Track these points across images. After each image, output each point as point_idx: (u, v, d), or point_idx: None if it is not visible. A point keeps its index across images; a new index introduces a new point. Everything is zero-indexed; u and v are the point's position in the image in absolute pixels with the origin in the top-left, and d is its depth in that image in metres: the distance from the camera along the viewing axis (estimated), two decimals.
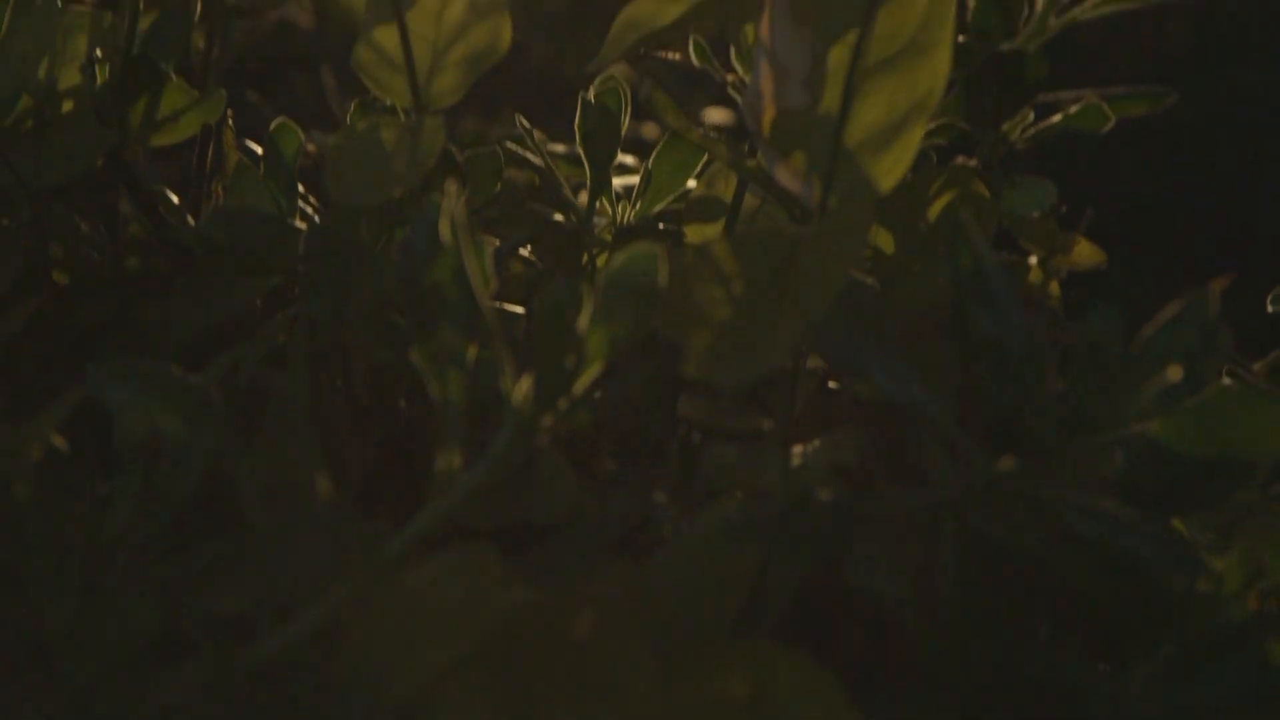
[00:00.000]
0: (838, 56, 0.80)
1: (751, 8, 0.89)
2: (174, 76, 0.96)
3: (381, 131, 0.83)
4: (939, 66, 0.76)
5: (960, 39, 1.05)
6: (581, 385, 0.72)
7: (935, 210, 0.90)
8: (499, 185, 0.92)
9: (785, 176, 0.79)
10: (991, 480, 0.69)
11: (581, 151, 0.97)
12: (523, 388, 0.71)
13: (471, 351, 0.73)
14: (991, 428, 0.70)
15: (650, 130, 1.64)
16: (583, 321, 0.71)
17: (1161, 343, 0.69)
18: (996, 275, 0.69)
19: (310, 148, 1.19)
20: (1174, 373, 0.66)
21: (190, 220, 0.98)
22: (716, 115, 1.54)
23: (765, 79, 0.80)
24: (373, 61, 0.86)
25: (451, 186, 0.69)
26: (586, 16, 2.06)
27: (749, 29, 0.90)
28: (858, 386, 0.82)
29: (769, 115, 0.79)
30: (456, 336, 0.72)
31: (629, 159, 1.12)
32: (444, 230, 0.70)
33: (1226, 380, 0.99)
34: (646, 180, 0.97)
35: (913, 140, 0.76)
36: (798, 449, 0.82)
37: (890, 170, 0.77)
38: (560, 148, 1.12)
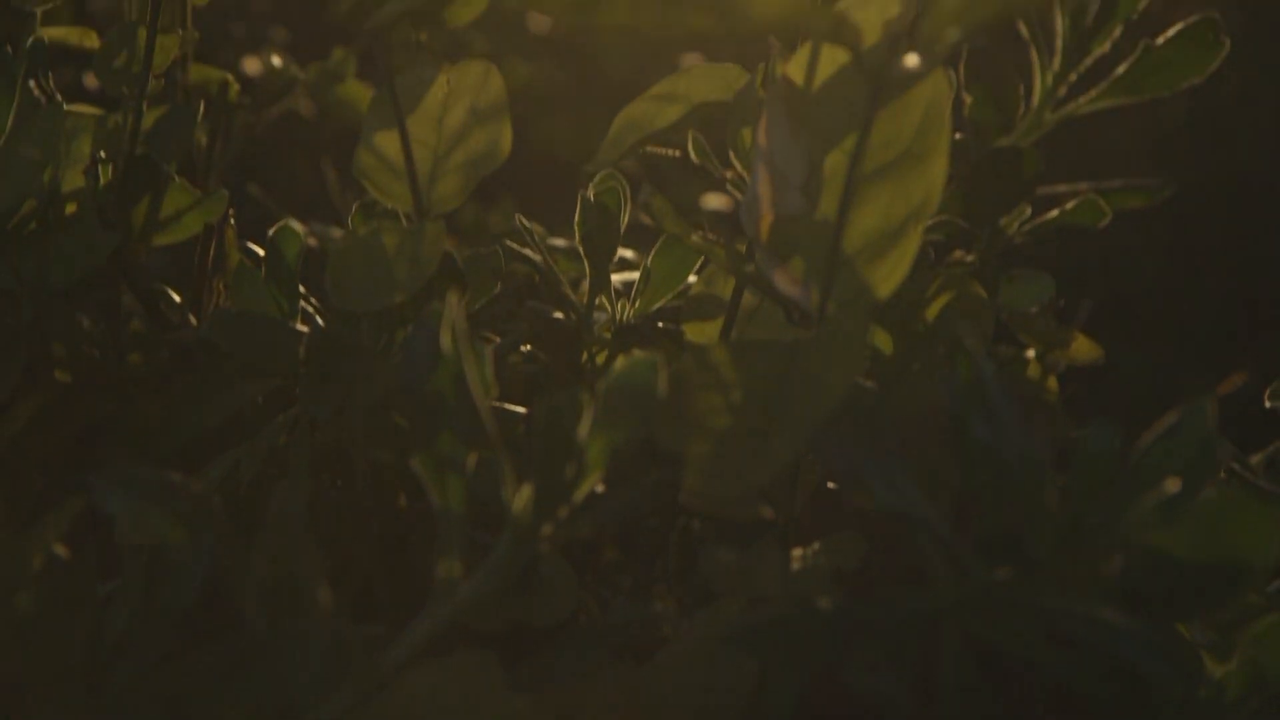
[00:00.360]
0: (835, 162, 0.81)
1: (749, 111, 0.90)
2: (176, 177, 0.96)
3: (383, 237, 0.84)
4: (935, 175, 0.76)
5: (957, 135, 1.05)
6: (581, 493, 0.72)
7: (933, 311, 0.91)
8: (499, 286, 0.92)
9: (784, 282, 0.79)
10: (990, 588, 0.69)
11: (581, 250, 0.98)
12: (523, 497, 0.72)
13: (472, 459, 0.73)
14: (990, 536, 0.70)
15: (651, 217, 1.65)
16: (582, 430, 0.71)
17: (1159, 453, 0.69)
18: (995, 386, 0.70)
19: (311, 240, 1.19)
20: (1172, 485, 0.67)
21: (192, 318, 0.99)
22: (714, 201, 1.55)
23: (763, 184, 0.80)
24: (374, 166, 0.87)
25: (453, 297, 0.69)
26: (586, 96, 2.07)
27: (746, 133, 0.91)
28: (857, 495, 0.82)
29: (767, 221, 0.80)
30: (457, 444, 0.73)
31: (628, 253, 1.12)
32: (445, 341, 0.71)
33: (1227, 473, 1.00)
34: (645, 278, 0.97)
35: (910, 248, 0.77)
36: (797, 552, 0.82)
37: (888, 277, 0.77)
38: (560, 242, 1.13)
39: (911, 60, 0.70)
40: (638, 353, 0.96)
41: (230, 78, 1.13)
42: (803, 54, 0.82)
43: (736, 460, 0.71)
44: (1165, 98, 1.07)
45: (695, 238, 0.84)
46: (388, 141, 0.87)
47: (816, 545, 0.81)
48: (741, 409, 0.73)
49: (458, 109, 0.87)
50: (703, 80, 0.92)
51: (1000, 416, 0.69)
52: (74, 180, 0.93)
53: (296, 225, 1.23)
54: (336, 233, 1.27)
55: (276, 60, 1.25)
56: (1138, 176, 2.14)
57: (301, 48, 1.76)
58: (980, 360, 0.70)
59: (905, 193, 0.78)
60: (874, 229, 0.78)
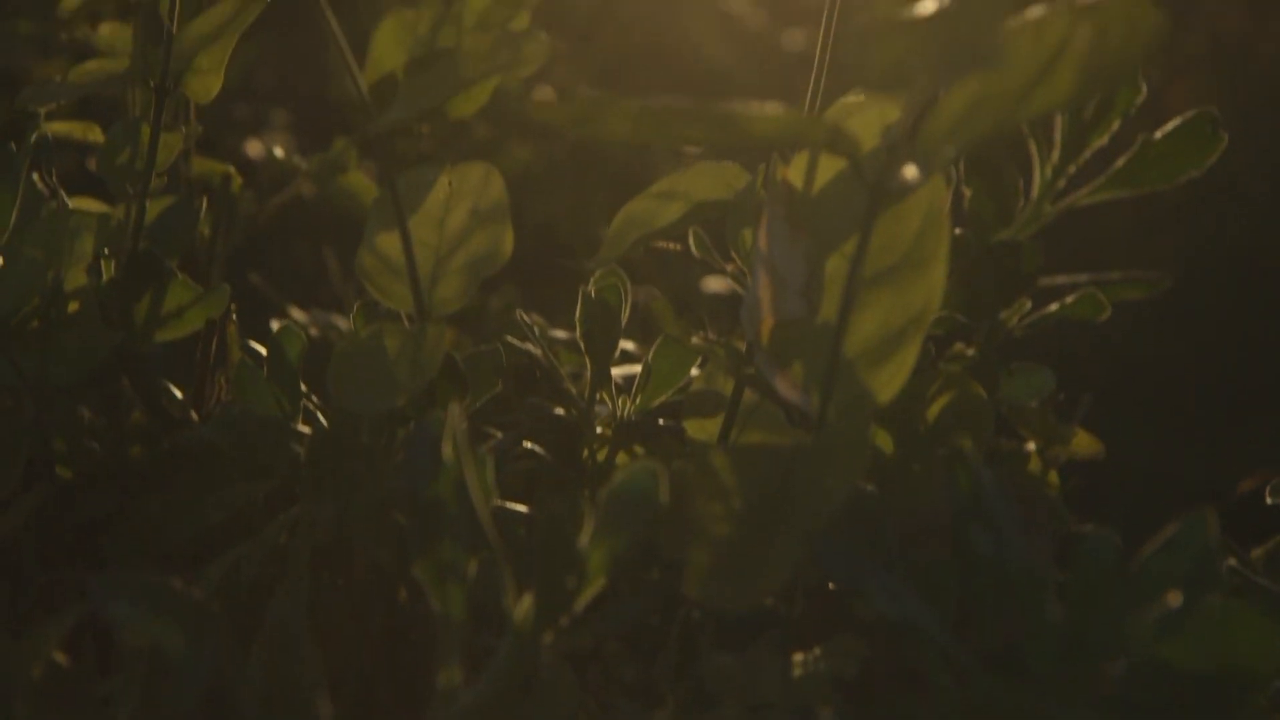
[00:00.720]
0: (835, 266, 0.81)
1: (749, 211, 0.90)
2: (178, 273, 0.97)
3: (385, 339, 0.84)
4: (935, 282, 0.77)
5: (957, 231, 1.06)
6: (583, 602, 0.72)
7: (934, 411, 0.91)
8: (500, 385, 0.92)
9: (784, 386, 0.79)
10: (991, 698, 0.69)
11: (582, 346, 0.98)
12: (524, 605, 0.72)
13: (472, 566, 0.73)
14: (991, 646, 0.70)
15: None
16: (584, 538, 0.71)
17: (1160, 564, 0.69)
18: (995, 495, 0.70)
19: (312, 330, 1.20)
20: (1174, 599, 0.67)
21: (194, 414, 0.99)
22: (715, 284, 1.55)
23: (763, 288, 0.81)
24: (376, 268, 0.87)
25: (454, 407, 0.69)
26: (586, 177, 2.08)
27: (747, 233, 0.91)
28: (858, 602, 0.82)
29: (768, 325, 0.80)
30: (458, 551, 0.73)
31: (630, 344, 1.12)
32: (447, 450, 0.71)
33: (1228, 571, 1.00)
34: (646, 375, 0.98)
35: (911, 355, 0.77)
36: (797, 656, 0.82)
37: (889, 383, 0.78)
38: (561, 333, 1.13)
39: (910, 172, 0.70)
40: (639, 452, 0.96)
41: (233, 171, 1.14)
42: (802, 157, 0.82)
43: (738, 568, 0.71)
44: None
45: (696, 339, 0.84)
46: (389, 242, 0.87)
47: (817, 650, 0.81)
48: (742, 516, 0.73)
49: (459, 210, 0.87)
50: (703, 179, 0.93)
51: (1000, 527, 0.69)
52: (77, 278, 0.93)
53: (299, 314, 1.23)
54: (339, 320, 1.27)
55: (279, 151, 1.26)
56: (1135, 249, 2.15)
57: (305, 128, 1.78)
58: (980, 469, 0.70)
59: (905, 299, 0.78)
60: (874, 334, 0.78)
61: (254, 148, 1.54)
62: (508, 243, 0.87)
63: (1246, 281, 2.35)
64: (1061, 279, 1.15)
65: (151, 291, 0.96)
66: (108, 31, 1.08)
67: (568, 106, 0.67)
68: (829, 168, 0.82)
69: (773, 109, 0.69)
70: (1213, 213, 2.48)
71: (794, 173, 0.82)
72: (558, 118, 0.68)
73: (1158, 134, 1.06)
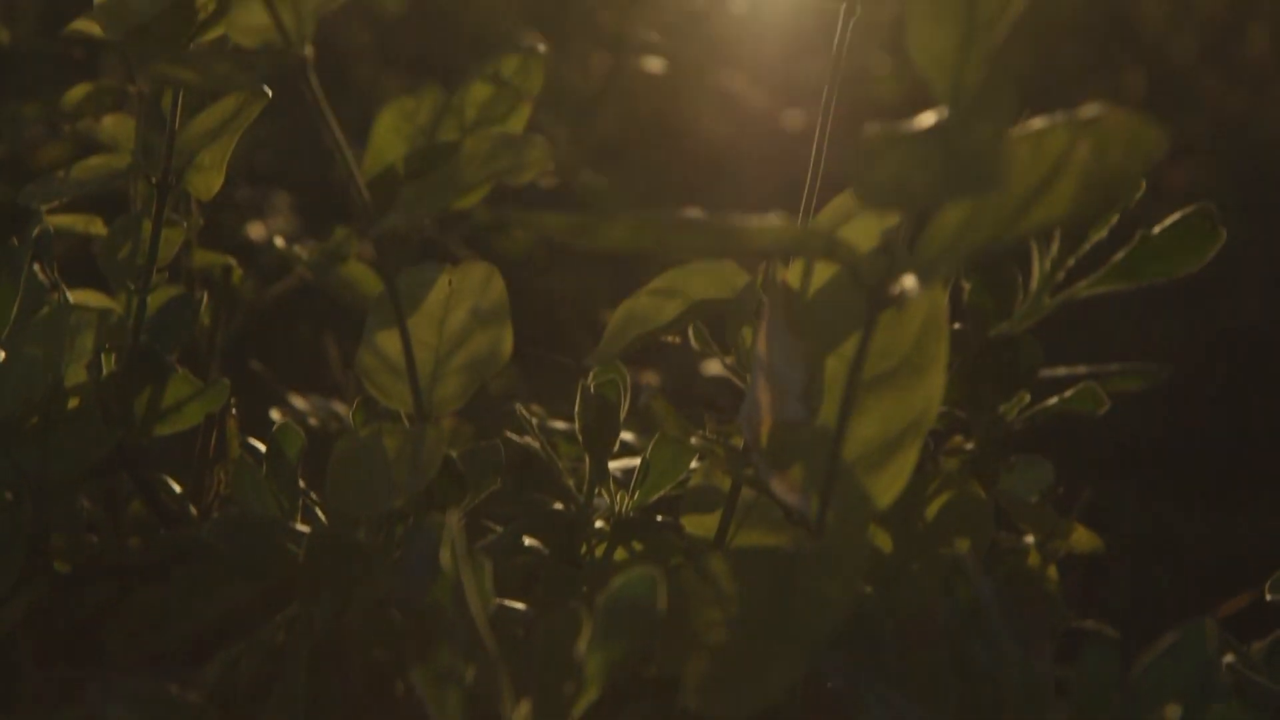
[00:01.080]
0: (834, 369, 0.81)
1: (748, 310, 0.90)
2: (178, 368, 0.97)
3: (384, 439, 0.84)
4: (933, 388, 0.77)
5: (956, 325, 1.06)
6: (579, 710, 0.72)
7: (933, 510, 0.91)
8: (498, 481, 0.92)
9: (783, 489, 0.79)
10: None
11: (581, 441, 0.98)
12: (522, 713, 0.71)
13: (470, 672, 0.73)
14: None
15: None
16: (581, 646, 0.71)
17: (1159, 675, 0.69)
18: (994, 609, 0.70)
19: (312, 420, 1.20)
20: (1173, 712, 0.66)
21: (193, 508, 0.99)
22: (715, 366, 1.55)
23: (762, 390, 0.81)
24: (375, 367, 0.87)
25: (452, 515, 0.69)
26: (586, 255, 2.08)
27: (747, 332, 0.91)
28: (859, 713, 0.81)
29: (766, 427, 0.80)
30: (455, 658, 0.72)
31: (630, 435, 1.12)
32: (444, 557, 0.71)
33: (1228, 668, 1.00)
34: (645, 470, 0.98)
35: (910, 459, 0.77)
36: None
37: (887, 488, 0.78)
38: (561, 424, 1.13)
39: (909, 281, 0.71)
40: (638, 548, 0.96)
41: (234, 262, 1.14)
42: (801, 260, 0.82)
43: (737, 678, 0.70)
44: None
45: (695, 439, 0.84)
46: (389, 341, 0.87)
47: None
48: (741, 625, 0.73)
49: (460, 310, 0.87)
50: (703, 277, 0.93)
51: (999, 640, 0.69)
52: (77, 375, 0.93)
53: (299, 402, 1.23)
54: (339, 407, 1.28)
55: (279, 240, 1.26)
56: (1136, 328, 2.15)
57: (307, 209, 1.78)
58: (979, 580, 0.70)
59: (904, 403, 0.78)
60: (873, 438, 0.78)
61: (256, 230, 1.55)
62: (507, 344, 0.87)
63: (1248, 359, 2.36)
64: (1061, 369, 1.15)
65: (151, 386, 0.96)
66: (111, 124, 1.08)
67: (567, 220, 0.68)
68: (827, 270, 0.82)
69: (771, 220, 0.69)
70: (1214, 292, 2.49)
71: (792, 275, 0.83)
72: (558, 230, 0.68)
73: (1156, 229, 1.06)
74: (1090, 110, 0.67)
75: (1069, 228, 1.09)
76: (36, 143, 1.55)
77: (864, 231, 0.81)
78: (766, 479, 0.80)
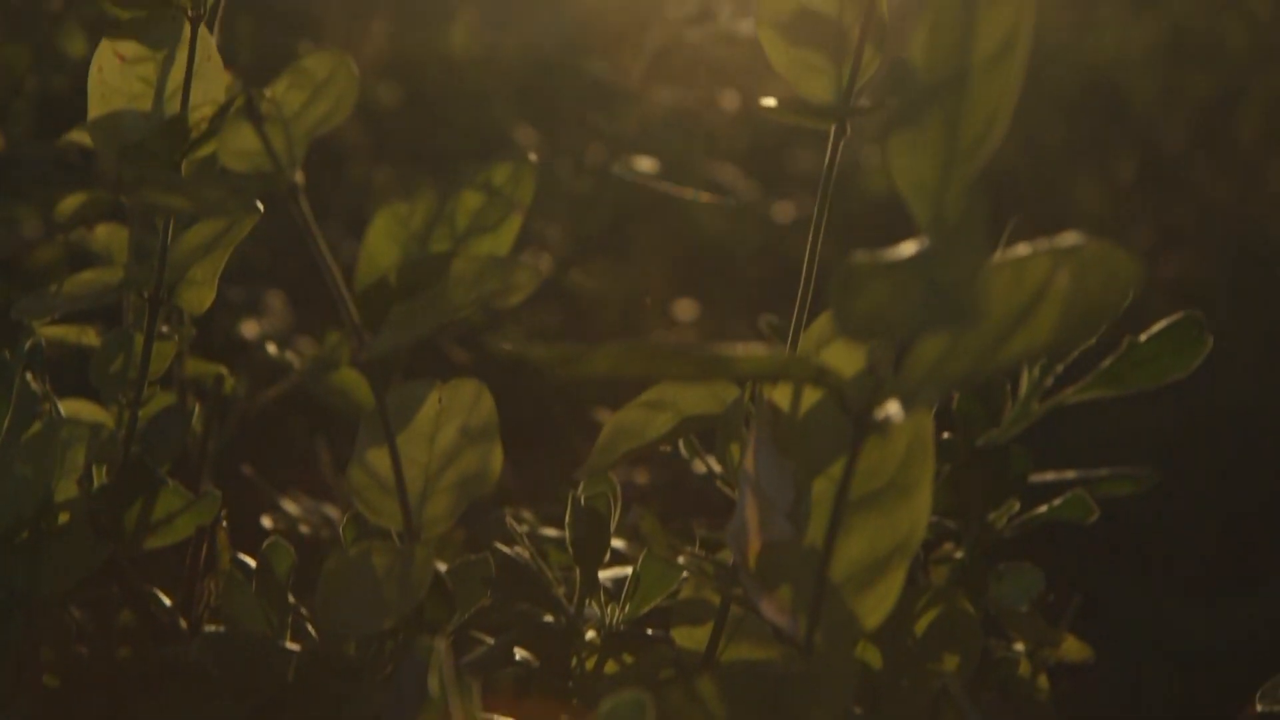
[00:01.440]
0: (821, 489, 0.81)
1: (737, 427, 0.91)
2: (169, 480, 0.97)
3: (373, 558, 0.84)
4: (919, 510, 0.77)
5: (944, 435, 1.07)
6: None
7: (921, 626, 0.91)
8: (488, 596, 0.93)
9: (771, 610, 0.79)
10: None
11: (571, 553, 0.98)
12: None
13: None
14: None
15: None
16: None
17: None
18: None
19: (304, 526, 1.20)
20: None
21: (183, 621, 0.99)
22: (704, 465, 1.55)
23: (750, 509, 0.81)
24: (365, 484, 0.88)
25: (441, 642, 0.69)
26: (577, 333, 2.09)
27: (735, 448, 0.92)
28: None
29: (754, 547, 0.80)
30: None
31: (620, 543, 1.13)
32: (433, 684, 0.71)
33: None
34: (635, 583, 0.98)
35: (897, 581, 0.77)
36: None
37: (875, 609, 0.78)
38: (552, 532, 1.13)
39: (893, 408, 0.71)
40: (628, 661, 0.96)
41: (225, 371, 1.15)
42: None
43: None
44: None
45: (683, 558, 0.85)
46: (379, 458, 0.87)
47: None
48: None
49: (449, 428, 0.88)
50: (693, 391, 0.93)
51: None
52: (67, 489, 0.93)
53: (291, 506, 1.24)
54: (330, 510, 1.28)
55: (272, 348, 1.27)
56: (1129, 414, 2.15)
57: (301, 304, 1.79)
58: (967, 707, 0.70)
59: (891, 524, 0.78)
60: (861, 559, 0.79)
61: (250, 328, 1.55)
62: (497, 462, 0.88)
63: (1241, 446, 2.36)
64: (1049, 473, 1.15)
65: (142, 499, 0.97)
66: (104, 234, 1.09)
67: (554, 350, 0.68)
68: (814, 391, 0.82)
69: (755, 349, 0.70)
70: (1205, 376, 2.50)
71: (780, 394, 0.83)
72: (545, 360, 0.68)
73: (1143, 336, 1.07)
74: (1069, 239, 0.67)
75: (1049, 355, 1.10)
76: (32, 243, 1.56)
77: (849, 353, 0.82)
78: (755, 599, 0.80)
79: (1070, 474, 1.14)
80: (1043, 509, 1.07)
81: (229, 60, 1.01)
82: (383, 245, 1.06)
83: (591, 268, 1.94)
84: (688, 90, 1.86)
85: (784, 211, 2.16)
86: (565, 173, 2.02)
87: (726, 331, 2.16)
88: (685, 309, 2.13)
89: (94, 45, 0.98)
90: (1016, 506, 1.07)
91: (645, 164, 1.70)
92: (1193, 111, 3.32)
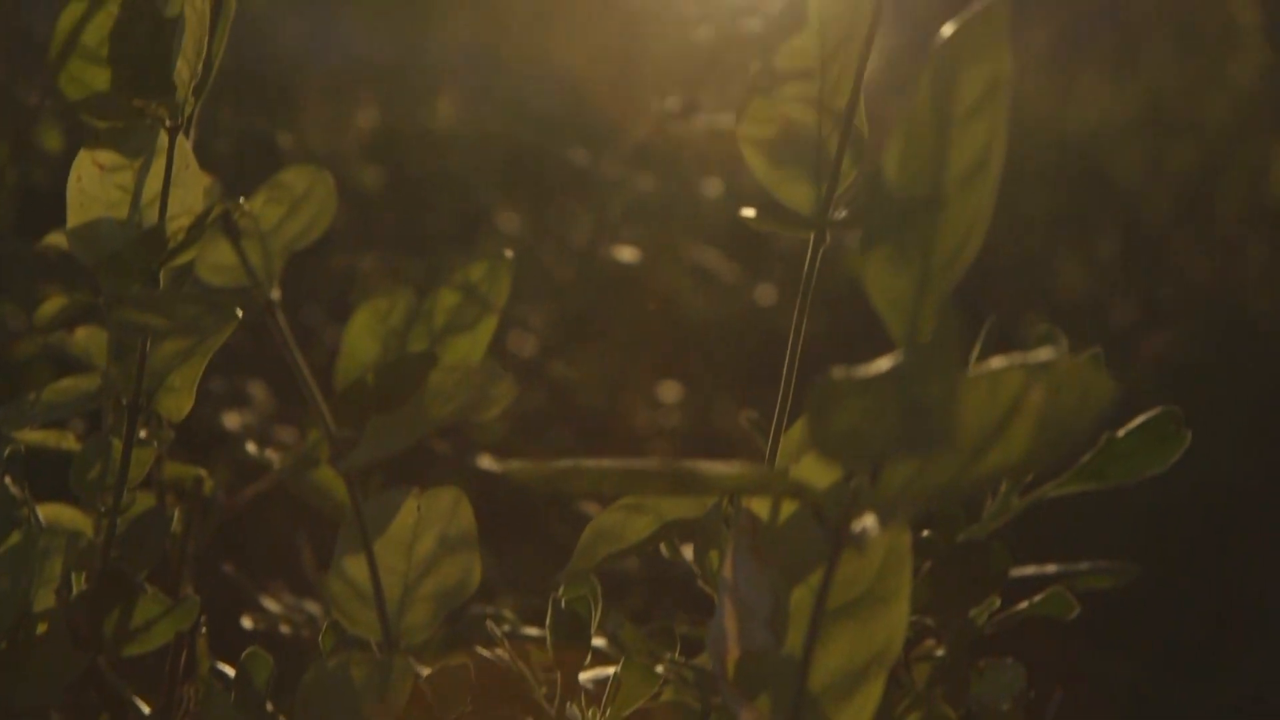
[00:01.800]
0: (800, 598, 0.81)
1: (715, 533, 0.91)
2: (147, 588, 0.97)
3: (351, 670, 0.84)
4: (896, 620, 0.77)
5: (924, 532, 1.07)
6: None
7: None
8: (468, 703, 0.92)
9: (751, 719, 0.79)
10: None
11: (552, 657, 0.98)
12: None
13: None
14: None
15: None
16: None
17: None
18: None
19: (284, 626, 1.20)
20: None
21: None
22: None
23: (729, 617, 0.81)
24: (344, 594, 0.87)
25: None
26: (564, 424, 2.10)
27: (715, 554, 0.92)
28: None
29: (733, 656, 0.80)
30: None
31: (601, 642, 1.12)
32: None
33: None
34: (616, 687, 0.97)
35: (876, 690, 0.77)
36: None
37: (854, 719, 0.78)
38: (534, 630, 1.13)
39: (869, 521, 0.71)
40: None
41: (205, 474, 1.15)
42: None
43: None
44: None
45: (662, 666, 0.85)
46: (358, 567, 0.87)
47: None
48: None
49: (428, 537, 0.88)
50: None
51: None
52: (46, 599, 0.93)
53: (272, 604, 1.23)
54: (311, 606, 1.27)
55: (251, 446, 1.27)
56: (1112, 492, 2.15)
57: (283, 394, 1.79)
58: None
59: (869, 634, 0.78)
60: (839, 668, 0.79)
61: (232, 420, 1.55)
62: (475, 573, 0.88)
63: (1224, 524, 2.37)
64: (1030, 568, 1.16)
65: (120, 607, 0.96)
66: (83, 336, 1.09)
67: (534, 469, 0.68)
68: (792, 501, 0.83)
69: (732, 466, 0.70)
70: (1190, 456, 2.51)
71: (759, 503, 0.83)
72: (529, 478, 0.68)
73: (1121, 432, 1.07)
74: (1043, 354, 0.68)
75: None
76: (16, 334, 1.56)
77: (822, 470, 0.82)
78: (734, 708, 0.80)
79: (1051, 567, 1.14)
80: (1024, 605, 1.07)
81: (208, 150, 1.02)
82: (363, 341, 1.06)
83: (574, 354, 1.94)
84: (671, 178, 1.88)
85: (767, 294, 2.17)
86: (549, 255, 2.02)
87: (711, 413, 2.16)
88: (669, 391, 2.13)
89: (70, 139, 0.99)
90: (997, 602, 1.07)
91: (627, 252, 1.71)
92: (1175, 184, 3.34)
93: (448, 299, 1.05)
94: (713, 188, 1.92)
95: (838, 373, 0.68)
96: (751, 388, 2.21)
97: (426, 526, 0.88)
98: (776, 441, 0.96)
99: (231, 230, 0.80)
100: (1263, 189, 3.27)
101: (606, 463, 0.68)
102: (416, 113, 3.14)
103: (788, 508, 0.83)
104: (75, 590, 0.98)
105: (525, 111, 3.10)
